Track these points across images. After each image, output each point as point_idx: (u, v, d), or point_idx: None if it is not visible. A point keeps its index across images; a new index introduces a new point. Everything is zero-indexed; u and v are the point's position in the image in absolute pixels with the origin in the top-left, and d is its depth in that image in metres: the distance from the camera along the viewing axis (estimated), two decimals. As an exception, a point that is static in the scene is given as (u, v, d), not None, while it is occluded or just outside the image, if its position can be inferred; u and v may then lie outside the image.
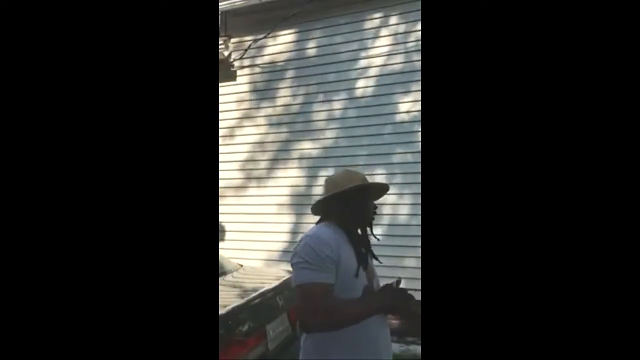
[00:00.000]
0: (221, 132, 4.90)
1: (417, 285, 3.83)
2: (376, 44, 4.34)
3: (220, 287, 2.39)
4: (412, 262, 3.92)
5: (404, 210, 4.08)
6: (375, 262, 1.55)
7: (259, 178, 4.78)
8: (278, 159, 4.71)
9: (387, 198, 4.10)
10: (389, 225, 4.10)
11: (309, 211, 1.65)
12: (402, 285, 1.47)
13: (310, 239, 1.36)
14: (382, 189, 1.60)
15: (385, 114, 4.23)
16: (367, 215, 1.50)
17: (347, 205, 1.45)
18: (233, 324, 2.07)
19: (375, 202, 1.56)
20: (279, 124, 4.73)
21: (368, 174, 4.10)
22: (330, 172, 4.37)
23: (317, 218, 1.57)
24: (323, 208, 1.52)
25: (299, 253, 1.34)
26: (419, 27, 4.12)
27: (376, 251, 1.55)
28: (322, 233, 1.38)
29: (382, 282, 1.51)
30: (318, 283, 1.29)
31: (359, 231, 1.51)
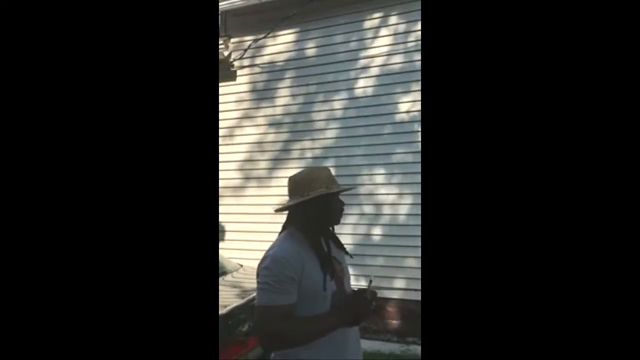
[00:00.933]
0: (221, 132, 4.89)
1: (417, 285, 3.85)
2: (376, 44, 4.34)
3: (220, 287, 2.39)
4: (412, 262, 3.92)
5: (404, 210, 4.08)
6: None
7: (258, 178, 4.78)
8: (278, 159, 4.71)
9: (387, 198, 4.11)
10: (389, 225, 4.10)
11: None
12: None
13: (272, 260, 1.33)
14: (347, 189, 1.56)
15: (385, 113, 4.23)
16: (333, 219, 1.47)
17: (311, 213, 1.41)
18: (233, 324, 2.07)
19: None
20: (278, 124, 4.73)
21: (368, 174, 4.15)
22: (330, 172, 4.36)
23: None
24: (290, 211, 1.48)
25: (260, 273, 1.34)
26: (419, 26, 4.12)
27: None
28: (285, 251, 1.35)
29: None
30: (277, 305, 1.29)
31: (323, 235, 1.46)
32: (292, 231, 1.43)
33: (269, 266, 1.32)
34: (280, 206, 1.51)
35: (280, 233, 1.47)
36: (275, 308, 1.29)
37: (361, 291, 1.43)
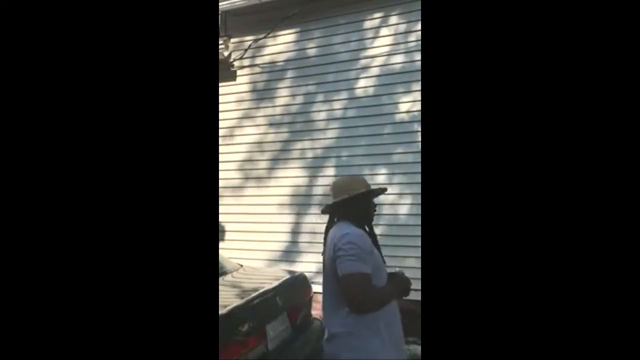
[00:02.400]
0: (221, 132, 4.89)
1: (417, 285, 3.83)
2: (376, 44, 4.34)
3: (220, 287, 2.38)
4: (412, 262, 3.91)
5: (404, 210, 4.08)
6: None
7: (258, 178, 4.78)
8: (278, 159, 4.71)
9: (387, 198, 4.10)
10: (389, 225, 4.10)
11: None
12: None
13: (354, 236, 1.55)
14: (382, 192, 1.89)
15: (386, 113, 4.23)
16: (370, 215, 1.77)
17: (357, 208, 1.71)
18: (233, 324, 2.07)
19: (376, 201, 1.80)
20: (278, 124, 4.73)
21: (368, 174, 4.15)
22: (330, 172, 4.36)
23: (325, 217, 1.79)
24: (334, 210, 1.74)
25: (345, 247, 1.52)
26: (419, 26, 4.12)
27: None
28: (357, 231, 1.59)
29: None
30: (365, 273, 1.50)
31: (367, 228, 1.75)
32: (343, 221, 1.68)
33: (353, 240, 1.53)
34: (325, 206, 1.77)
35: (330, 227, 1.71)
36: (364, 275, 1.49)
37: (395, 273, 1.70)
